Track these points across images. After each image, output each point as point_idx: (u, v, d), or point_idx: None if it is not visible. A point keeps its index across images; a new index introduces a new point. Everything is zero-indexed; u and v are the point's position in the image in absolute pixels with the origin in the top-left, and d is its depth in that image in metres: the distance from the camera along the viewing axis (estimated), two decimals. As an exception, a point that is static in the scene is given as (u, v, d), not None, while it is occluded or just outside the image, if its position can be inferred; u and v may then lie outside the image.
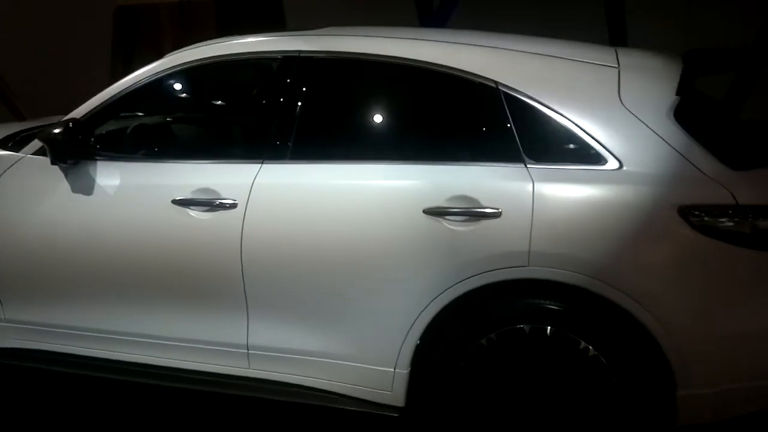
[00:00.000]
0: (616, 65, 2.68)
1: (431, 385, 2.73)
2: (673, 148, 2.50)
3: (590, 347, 2.53)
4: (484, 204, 2.57)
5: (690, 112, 2.64)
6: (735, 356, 2.49)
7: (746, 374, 2.51)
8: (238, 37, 3.15)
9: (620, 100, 2.58)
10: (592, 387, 2.56)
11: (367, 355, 2.77)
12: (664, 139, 2.52)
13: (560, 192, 2.53)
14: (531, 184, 2.54)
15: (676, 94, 2.57)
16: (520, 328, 2.58)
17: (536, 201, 2.53)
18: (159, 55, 3.16)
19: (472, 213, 2.57)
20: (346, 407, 2.84)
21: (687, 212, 2.43)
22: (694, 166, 2.48)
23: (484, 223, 2.57)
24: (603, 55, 2.77)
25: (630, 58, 2.79)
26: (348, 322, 2.77)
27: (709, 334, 2.46)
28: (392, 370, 2.74)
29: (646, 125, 2.54)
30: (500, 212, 2.55)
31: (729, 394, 2.51)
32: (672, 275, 2.45)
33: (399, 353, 2.72)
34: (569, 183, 2.53)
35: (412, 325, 2.67)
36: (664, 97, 2.58)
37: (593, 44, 2.95)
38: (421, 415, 2.78)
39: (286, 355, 2.88)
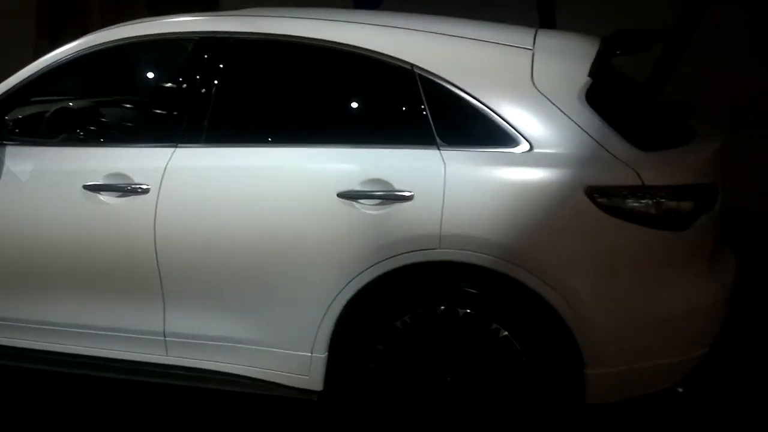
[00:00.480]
0: (531, 48, 2.70)
1: (348, 368, 2.73)
2: (583, 130, 2.53)
3: (501, 328, 2.56)
4: (397, 187, 2.57)
5: (604, 94, 2.67)
6: (641, 335, 2.54)
7: (652, 353, 2.57)
8: (156, 17, 3.08)
9: (533, 82, 2.60)
10: (503, 367, 2.59)
11: (283, 340, 2.76)
12: (574, 121, 2.54)
13: (471, 175, 2.54)
14: (443, 167, 2.55)
15: (589, 76, 2.60)
16: (433, 310, 2.60)
17: (447, 184, 2.54)
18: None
19: (384, 196, 2.57)
20: (264, 392, 2.83)
21: (594, 193, 2.46)
22: (602, 147, 2.51)
23: (397, 207, 2.56)
24: (520, 37, 2.78)
25: (546, 40, 2.80)
26: (263, 308, 2.75)
27: (616, 314, 2.51)
28: (309, 354, 2.73)
29: (557, 107, 2.56)
30: (412, 195, 2.55)
31: (636, 373, 2.57)
32: (579, 256, 2.48)
33: (315, 337, 2.71)
34: (480, 166, 2.54)
35: (328, 309, 2.67)
36: (576, 79, 2.60)
37: (514, 26, 2.97)
38: (340, 398, 2.79)
39: (203, 342, 2.85)
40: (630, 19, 5.13)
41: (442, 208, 2.52)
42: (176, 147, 2.79)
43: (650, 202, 2.48)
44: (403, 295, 2.64)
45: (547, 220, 2.48)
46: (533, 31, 2.88)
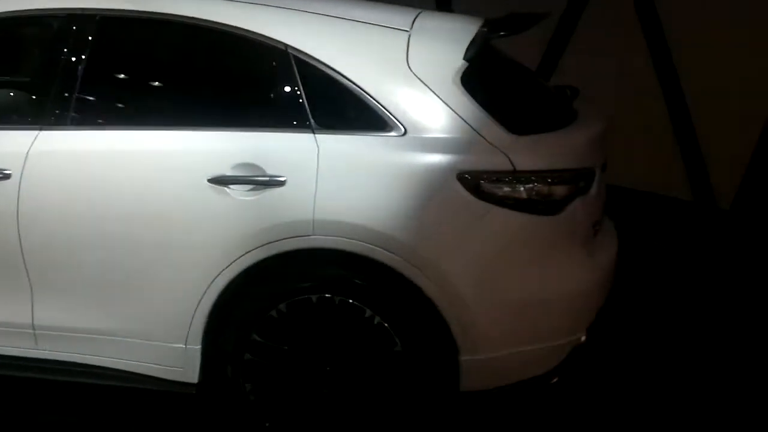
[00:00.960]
0: (408, 29, 2.65)
1: (224, 360, 2.66)
2: (457, 114, 2.50)
3: (376, 315, 2.52)
4: (269, 172, 2.49)
5: (481, 77, 2.65)
6: (515, 321, 2.53)
7: (527, 339, 2.57)
8: None
9: (408, 64, 2.55)
10: (379, 355, 2.55)
11: (157, 332, 2.66)
12: (448, 105, 2.51)
13: (344, 160, 2.49)
14: (317, 151, 2.49)
15: (464, 59, 2.57)
16: (308, 298, 2.54)
17: (321, 169, 2.48)
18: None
19: (257, 181, 2.49)
20: (139, 386, 2.73)
21: (466, 178, 2.44)
22: (475, 131, 2.48)
23: (270, 192, 2.49)
24: (399, 18, 2.73)
25: (426, 22, 2.76)
26: (134, 299, 2.64)
27: (488, 299, 2.49)
28: (183, 346, 2.64)
29: (432, 90, 2.52)
30: (285, 180, 2.48)
31: (511, 359, 2.57)
32: (451, 242, 2.46)
33: (189, 328, 2.62)
34: (354, 150, 2.49)
35: (201, 298, 2.58)
36: (452, 62, 2.56)
37: (395, 7, 2.92)
38: (217, 390, 2.72)
39: (74, 334, 2.72)
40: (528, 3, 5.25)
41: (315, 194, 2.47)
42: (40, 130, 2.65)
43: (521, 186, 2.47)
44: (278, 284, 2.58)
45: (419, 205, 2.45)
46: (415, 12, 2.83)
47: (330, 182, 2.47)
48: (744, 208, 5.24)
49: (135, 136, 2.61)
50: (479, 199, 2.44)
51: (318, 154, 2.48)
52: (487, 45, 2.73)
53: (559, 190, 2.53)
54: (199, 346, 2.64)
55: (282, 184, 2.48)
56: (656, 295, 4.10)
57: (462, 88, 2.53)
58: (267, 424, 2.68)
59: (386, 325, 2.52)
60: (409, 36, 2.62)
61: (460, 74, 2.55)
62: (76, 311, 2.69)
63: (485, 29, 2.69)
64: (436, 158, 2.45)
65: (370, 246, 2.46)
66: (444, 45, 2.63)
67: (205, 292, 2.57)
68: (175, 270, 2.58)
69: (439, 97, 2.52)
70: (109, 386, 2.78)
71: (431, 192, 2.45)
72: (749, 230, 5.05)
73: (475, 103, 2.52)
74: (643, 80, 5.51)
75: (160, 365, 2.69)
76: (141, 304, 2.64)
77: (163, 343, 2.66)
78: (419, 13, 2.83)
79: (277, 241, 2.50)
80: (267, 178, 2.49)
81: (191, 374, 2.68)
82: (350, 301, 2.52)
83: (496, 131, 2.50)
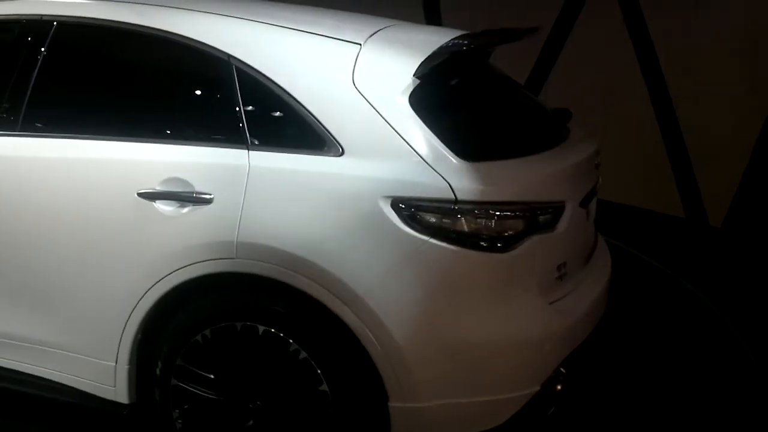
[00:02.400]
0: (361, 42, 2.45)
1: (153, 382, 2.53)
2: (399, 135, 2.27)
3: (301, 350, 2.32)
4: (197, 188, 2.36)
5: (438, 95, 2.43)
6: (451, 369, 2.26)
7: (465, 390, 2.29)
8: None
9: (353, 80, 2.35)
10: (303, 391, 2.35)
11: (87, 347, 2.57)
12: (390, 125, 2.28)
13: (274, 180, 2.32)
14: (247, 169, 2.33)
15: (415, 76, 2.34)
16: (233, 325, 2.38)
17: (249, 188, 2.32)
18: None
19: (184, 198, 2.36)
20: (72, 400, 2.65)
21: (400, 207, 2.21)
22: (418, 155, 2.25)
23: (197, 210, 2.36)
24: (356, 30, 2.53)
25: (390, 34, 2.55)
26: (68, 310, 2.57)
27: (422, 343, 2.24)
28: (113, 364, 2.54)
29: (375, 109, 2.31)
30: (212, 198, 2.34)
31: (448, 411, 2.29)
32: (382, 276, 2.22)
33: (119, 346, 2.51)
34: (285, 170, 2.31)
35: (129, 317, 2.47)
36: (400, 79, 2.34)
37: (365, 17, 2.74)
38: (147, 414, 2.60)
39: (14, 342, 2.68)
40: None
41: (241, 215, 2.31)
42: None
43: (462, 218, 2.21)
44: (202, 308, 2.43)
45: (348, 234, 2.24)
46: (385, 24, 2.63)
47: (257, 203, 2.31)
48: (736, 226, 5.31)
49: (73, 145, 2.53)
50: (415, 230, 2.20)
51: (248, 173, 2.33)
52: (454, 60, 2.48)
53: (509, 226, 2.25)
54: (127, 366, 2.54)
55: (209, 202, 2.34)
56: (648, 311, 4.12)
57: (409, 108, 2.30)
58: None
59: (312, 361, 2.32)
60: (360, 50, 2.42)
61: (408, 92, 2.32)
62: (13, 319, 2.65)
63: (452, 44, 2.45)
64: (371, 183, 2.24)
65: (294, 274, 2.27)
66: (395, 60, 2.40)
67: (133, 309, 2.46)
68: (103, 285, 2.48)
69: (381, 116, 2.30)
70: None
71: (362, 220, 2.23)
72: (741, 247, 5.14)
73: (422, 124, 2.29)
74: (635, 96, 5.54)
75: (95, 382, 2.60)
76: (74, 316, 2.56)
77: (96, 359, 2.56)
78: (389, 26, 2.63)
79: (201, 262, 2.35)
80: (194, 195, 2.35)
81: (123, 394, 2.57)
82: (274, 331, 2.34)
83: (441, 156, 2.25)
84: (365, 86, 2.34)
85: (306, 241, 2.26)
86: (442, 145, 2.27)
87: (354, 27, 2.60)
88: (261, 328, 2.34)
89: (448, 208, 2.21)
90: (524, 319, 2.31)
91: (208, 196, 2.34)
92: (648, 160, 5.58)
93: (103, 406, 2.62)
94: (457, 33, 2.60)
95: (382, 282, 2.23)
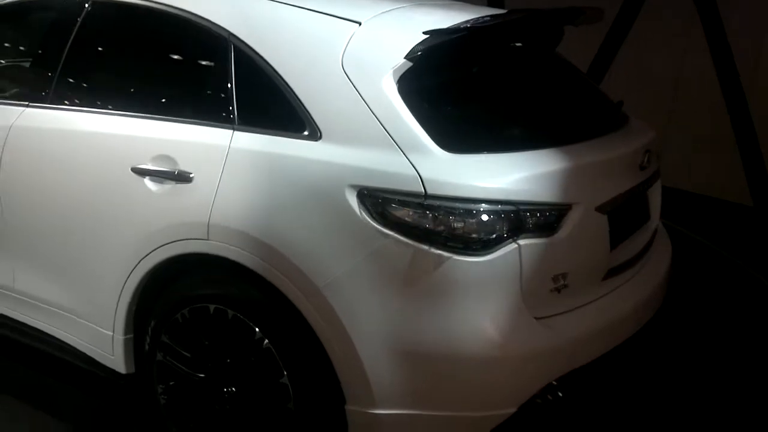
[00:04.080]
0: (362, 21, 2.28)
1: (143, 356, 2.56)
2: (378, 120, 2.10)
3: (265, 339, 2.23)
4: (181, 167, 2.32)
5: (434, 79, 2.22)
6: (412, 379, 2.07)
7: (427, 403, 2.09)
8: None
9: (342, 62, 2.20)
10: (267, 382, 2.25)
11: (90, 313, 2.64)
12: (371, 109, 2.11)
13: (249, 161, 2.23)
14: (227, 150, 2.26)
15: (406, 58, 2.14)
16: (206, 307, 2.33)
17: (226, 169, 2.25)
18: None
19: (168, 175, 2.34)
20: (77, 363, 2.74)
21: (366, 197, 2.04)
22: (394, 143, 2.06)
23: (178, 188, 2.32)
24: (367, 8, 2.37)
25: (398, 14, 2.37)
26: (73, 276, 2.64)
27: (381, 347, 2.06)
28: (111, 333, 2.59)
29: (358, 92, 2.14)
30: (192, 177, 2.30)
31: (408, 423, 2.10)
32: (343, 271, 2.07)
33: (115, 317, 2.56)
34: (263, 152, 2.22)
35: (123, 288, 2.50)
36: (389, 60, 2.16)
37: None
38: (140, 386, 2.63)
39: (31, 301, 2.81)
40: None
41: (215, 195, 2.24)
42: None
43: (430, 215, 2.00)
44: (180, 287, 2.40)
45: (313, 224, 2.10)
46: (404, 3, 2.45)
47: (231, 184, 2.23)
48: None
49: (76, 118, 2.60)
50: (380, 224, 2.03)
51: (227, 153, 2.26)
52: (463, 43, 2.24)
53: (485, 226, 2.01)
54: (124, 337, 2.57)
55: (190, 180, 2.30)
56: (712, 301, 3.94)
57: (396, 92, 2.12)
58: (173, 430, 2.52)
59: (274, 352, 2.22)
60: (357, 29, 2.25)
61: (398, 75, 2.14)
62: (31, 281, 2.78)
63: (457, 26, 2.22)
64: (340, 170, 2.09)
65: (259, 260, 2.17)
66: (388, 41, 2.22)
67: (125, 282, 2.48)
68: (101, 254, 2.53)
69: (363, 99, 2.13)
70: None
71: (328, 210, 2.09)
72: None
73: (406, 110, 2.09)
74: (705, 81, 5.34)
75: (96, 348, 2.67)
76: (79, 282, 2.63)
77: (97, 326, 2.63)
78: (408, 5, 2.45)
79: (179, 241, 2.32)
80: (176, 173, 2.32)
81: (120, 364, 2.62)
82: (241, 317, 2.26)
83: (419, 145, 2.05)
84: (353, 67, 2.18)
85: (272, 227, 2.15)
86: (424, 133, 2.07)
87: (369, 4, 2.43)
88: (230, 313, 2.27)
89: (416, 202, 2.01)
90: (500, 333, 2.05)
91: (189, 175, 2.30)
92: (716, 147, 5.40)
93: (105, 373, 2.68)
94: (498, 11, 2.38)
95: (344, 278, 2.07)
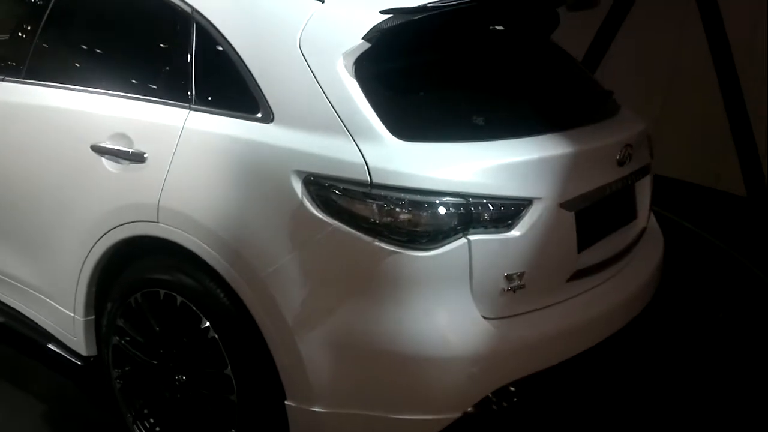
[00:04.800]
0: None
1: (100, 339, 2.51)
2: (330, 104, 1.99)
3: (210, 328, 2.15)
4: (136, 146, 2.26)
5: (398, 64, 2.11)
6: (353, 377, 1.98)
7: (369, 402, 1.98)
8: None
9: (299, 42, 2.10)
10: (212, 372, 2.18)
11: (55, 294, 2.61)
12: (324, 92, 2.01)
13: (201, 144, 2.15)
14: (180, 131, 2.19)
15: (364, 39, 2.03)
16: (157, 292, 2.27)
17: (178, 150, 2.17)
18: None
19: (123, 155, 2.28)
20: (44, 343, 2.72)
21: (312, 184, 1.94)
22: (344, 127, 1.96)
23: (132, 168, 2.27)
24: None
25: None
26: (38, 255, 2.61)
27: (321, 342, 1.97)
28: (72, 314, 2.56)
29: (312, 73, 2.04)
30: (146, 158, 2.23)
31: (349, 423, 2.01)
32: (286, 261, 1.97)
33: (75, 298, 2.52)
34: (214, 134, 2.14)
35: (81, 269, 2.45)
36: (346, 41, 2.05)
37: None
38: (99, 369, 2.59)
39: (5, 279, 2.80)
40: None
41: (166, 177, 2.18)
42: None
43: (374, 205, 1.89)
44: (132, 270, 2.35)
45: (258, 210, 2.02)
46: None
47: (181, 166, 2.16)
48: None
49: (39, 92, 2.56)
50: (324, 213, 1.93)
51: (180, 134, 2.18)
52: (433, 24, 2.11)
53: (432, 219, 1.89)
54: (84, 319, 2.53)
55: (143, 161, 2.24)
56: (702, 293, 3.86)
57: (351, 74, 2.01)
58: (129, 415, 2.48)
59: (219, 342, 2.14)
60: (318, 7, 2.15)
61: (355, 56, 2.03)
62: (2, 257, 2.76)
63: (442, 2, 2.08)
64: (287, 155, 1.99)
65: (204, 246, 2.10)
66: (348, 20, 2.10)
67: (84, 263, 2.44)
68: (62, 234, 2.49)
69: (317, 80, 2.03)
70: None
71: (273, 196, 2.00)
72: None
73: (360, 93, 1.99)
74: (698, 68, 5.31)
75: (61, 329, 2.64)
76: (44, 261, 2.60)
77: (61, 307, 2.60)
78: None
79: (131, 222, 2.26)
80: (131, 153, 2.26)
81: (81, 346, 2.58)
82: (189, 304, 2.19)
83: (369, 130, 1.94)
84: (310, 48, 2.07)
85: (217, 212, 2.07)
86: (376, 118, 1.96)
87: None
88: (179, 300, 2.21)
89: (361, 191, 1.90)
90: (444, 333, 1.93)
91: (143, 155, 2.24)
92: (709, 136, 5.38)
93: (67, 354, 2.66)
94: None
95: (286, 267, 1.98)
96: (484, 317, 1.98)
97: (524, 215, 1.99)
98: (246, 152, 2.06)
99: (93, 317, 2.54)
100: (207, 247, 2.09)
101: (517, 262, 2.00)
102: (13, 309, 2.84)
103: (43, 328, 2.72)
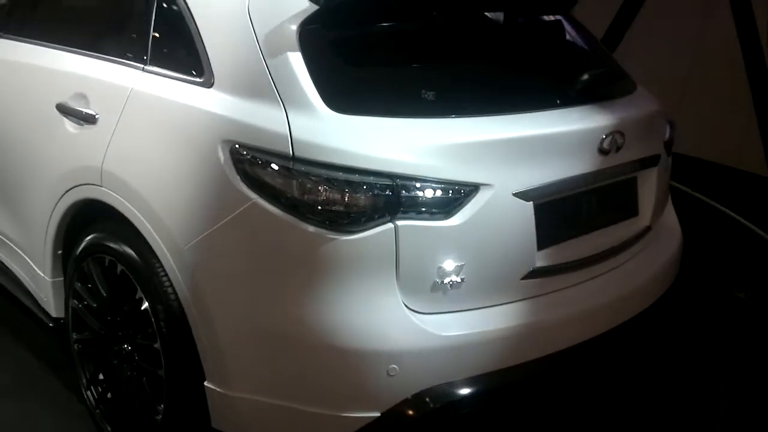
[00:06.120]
0: None
1: (65, 300, 2.49)
2: (268, 71, 1.85)
3: (144, 299, 2.07)
4: (91, 107, 2.20)
5: (351, 31, 1.95)
6: (268, 364, 1.85)
7: (284, 392, 1.85)
8: None
9: (248, 5, 1.96)
10: (146, 345, 2.10)
11: (30, 252, 2.60)
12: (264, 58, 1.87)
13: (146, 106, 2.07)
14: (129, 92, 2.11)
15: (315, 2, 1.86)
16: (102, 258, 2.21)
17: (124, 113, 2.10)
18: None
19: (79, 115, 2.23)
20: (20, 298, 2.73)
21: (237, 154, 1.81)
22: (278, 95, 1.81)
23: (85, 129, 2.21)
24: None
25: None
26: (15, 210, 2.61)
27: (237, 323, 1.86)
28: (42, 274, 2.55)
29: (256, 38, 1.90)
30: (97, 119, 2.17)
31: (265, 411, 1.88)
32: (206, 235, 1.86)
33: (44, 257, 2.50)
34: (157, 96, 2.05)
35: (47, 230, 2.43)
36: (293, 6, 1.89)
37: None
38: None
39: None
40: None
41: (110, 141, 2.11)
42: None
43: (295, 181, 1.74)
44: (87, 234, 2.28)
45: (186, 179, 1.92)
46: None
47: (125, 129, 2.09)
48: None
49: (13, 48, 2.55)
50: (247, 185, 1.80)
51: (128, 96, 2.10)
52: None
53: (355, 200, 1.72)
54: (51, 279, 2.52)
55: (95, 122, 2.18)
56: (724, 272, 3.67)
57: (294, 40, 1.86)
58: (84, 379, 2.44)
59: (151, 314, 2.05)
60: None
61: (300, 21, 1.87)
62: None
63: None
64: (219, 122, 1.87)
65: (137, 214, 2.01)
66: None
67: (48, 223, 2.41)
68: (32, 193, 2.48)
69: (259, 46, 1.89)
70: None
71: (201, 164, 1.88)
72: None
73: (299, 60, 1.84)
74: (724, 45, 5.07)
75: (36, 288, 2.65)
76: (19, 218, 2.60)
77: (35, 266, 2.59)
78: None
79: (82, 185, 2.21)
80: (84, 114, 2.20)
81: (50, 307, 2.57)
82: (128, 273, 2.11)
83: (302, 100, 1.79)
84: (257, 12, 1.93)
85: (149, 179, 1.99)
86: (312, 87, 1.81)
87: None
88: (119, 268, 2.14)
89: (282, 164, 1.76)
90: (361, 323, 1.76)
91: (95, 116, 2.18)
92: (734, 115, 5.15)
93: (41, 314, 2.66)
94: None
95: (206, 240, 1.86)
96: (414, 311, 1.80)
97: (466, 203, 1.79)
98: (181, 117, 1.96)
99: (61, 279, 2.53)
100: (139, 215, 2.00)
101: (455, 253, 1.80)
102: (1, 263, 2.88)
103: (24, 285, 2.74)
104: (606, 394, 2.56)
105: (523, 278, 1.94)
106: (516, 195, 1.86)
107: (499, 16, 2.31)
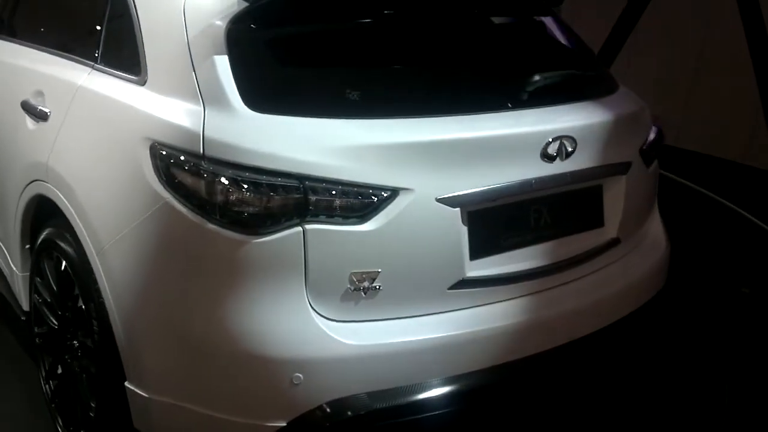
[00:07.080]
0: None
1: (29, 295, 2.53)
2: (193, 69, 1.82)
3: (80, 297, 2.07)
4: (45, 104, 2.23)
5: (282, 30, 1.90)
6: (180, 366, 1.81)
7: (194, 396, 1.81)
8: None
9: (184, 5, 1.93)
10: (83, 342, 2.10)
11: (7, 245, 2.65)
12: (191, 56, 1.84)
13: (87, 103, 2.08)
14: (76, 89, 2.12)
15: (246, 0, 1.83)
16: (52, 253, 2.22)
17: (70, 110, 2.11)
18: None
19: (36, 113, 2.26)
20: (2, 291, 2.79)
21: (155, 153, 1.78)
22: (199, 93, 1.78)
23: (39, 126, 2.24)
24: None
25: None
26: None
27: (150, 323, 1.83)
28: (14, 268, 2.60)
29: (186, 36, 1.88)
30: (49, 116, 2.19)
31: (181, 416, 1.84)
32: (126, 233, 1.84)
33: (16, 252, 2.55)
34: (97, 93, 2.06)
35: (14, 224, 2.48)
36: (224, 4, 1.86)
37: None
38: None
39: None
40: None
41: (56, 137, 2.12)
42: None
43: (203, 181, 1.70)
44: (39, 231, 2.30)
45: (111, 178, 1.91)
46: None
47: (68, 126, 2.10)
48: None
49: None
50: (162, 184, 1.77)
51: (75, 93, 2.12)
52: None
53: (260, 201, 1.67)
54: (20, 273, 2.56)
55: (47, 119, 2.20)
56: (728, 267, 3.64)
57: (222, 38, 1.82)
58: (42, 372, 2.47)
59: (88, 314, 2.05)
60: None
61: (229, 19, 1.84)
62: None
63: None
64: (142, 119, 1.85)
65: (71, 210, 2.02)
66: None
67: (15, 218, 2.46)
68: (2, 188, 2.53)
69: (188, 44, 1.87)
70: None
71: (124, 162, 1.87)
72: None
73: (223, 59, 1.80)
74: (732, 39, 5.07)
75: (10, 280, 2.70)
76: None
77: (9, 258, 2.65)
78: None
79: (34, 181, 2.24)
80: (39, 110, 2.23)
81: (23, 299, 2.62)
82: (69, 270, 2.12)
83: (220, 98, 1.75)
84: (192, 11, 1.90)
85: (81, 176, 2.00)
86: (232, 85, 1.77)
87: None
88: (63, 263, 2.15)
89: (193, 163, 1.72)
90: (265, 329, 1.70)
91: (47, 114, 2.20)
92: (742, 111, 5.16)
93: (15, 306, 2.71)
94: None
95: (125, 239, 1.85)
96: (326, 318, 1.73)
97: (383, 207, 1.71)
98: (113, 115, 1.96)
99: (29, 273, 2.57)
100: (72, 211, 2.01)
101: (369, 260, 1.73)
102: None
103: (6, 278, 2.80)
104: (552, 413, 2.42)
105: (450, 288, 1.84)
106: (440, 201, 1.76)
107: (441, 13, 2.21)
